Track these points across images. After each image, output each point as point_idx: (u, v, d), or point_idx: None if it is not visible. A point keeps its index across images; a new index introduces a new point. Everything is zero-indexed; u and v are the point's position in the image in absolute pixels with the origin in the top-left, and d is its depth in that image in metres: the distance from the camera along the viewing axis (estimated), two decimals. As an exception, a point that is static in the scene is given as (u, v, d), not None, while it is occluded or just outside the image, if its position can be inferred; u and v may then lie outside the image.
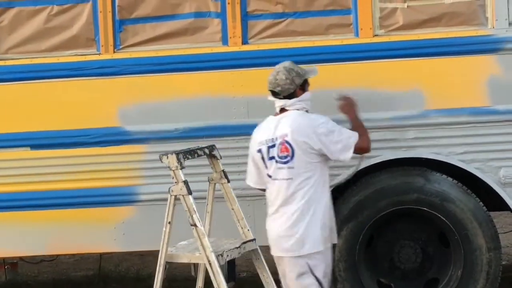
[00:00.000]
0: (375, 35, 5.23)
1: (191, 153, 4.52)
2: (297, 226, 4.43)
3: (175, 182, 4.36)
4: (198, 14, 5.38)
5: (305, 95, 4.60)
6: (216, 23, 5.37)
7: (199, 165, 4.90)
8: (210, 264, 4.26)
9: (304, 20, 5.29)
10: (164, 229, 4.38)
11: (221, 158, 4.74)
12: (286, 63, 4.61)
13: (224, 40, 5.35)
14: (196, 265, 4.72)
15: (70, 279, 7.38)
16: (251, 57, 5.30)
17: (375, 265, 5.43)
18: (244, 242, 4.58)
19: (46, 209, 5.45)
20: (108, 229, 5.40)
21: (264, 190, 4.65)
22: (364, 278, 5.35)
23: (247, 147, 5.26)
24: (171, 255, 4.44)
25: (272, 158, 4.51)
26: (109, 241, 5.43)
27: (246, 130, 5.23)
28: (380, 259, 5.43)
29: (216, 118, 5.34)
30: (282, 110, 4.58)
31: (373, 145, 5.09)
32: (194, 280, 5.82)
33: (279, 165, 4.48)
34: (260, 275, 4.66)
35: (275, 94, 4.58)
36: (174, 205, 4.38)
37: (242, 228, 4.67)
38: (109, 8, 5.37)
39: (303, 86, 4.62)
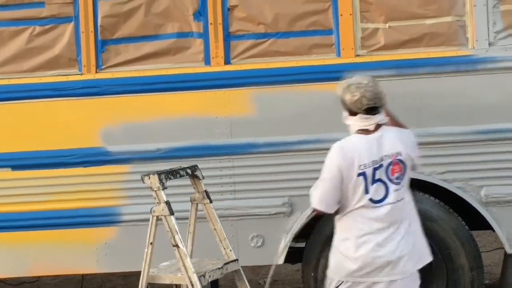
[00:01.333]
0: (357, 55, 5.26)
1: (173, 174, 4.51)
2: (414, 246, 4.20)
3: (157, 203, 4.34)
4: (181, 35, 5.40)
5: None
6: (198, 43, 5.38)
7: (182, 185, 4.88)
8: (192, 285, 4.24)
9: (287, 40, 5.32)
10: (146, 250, 4.36)
11: (203, 178, 4.74)
12: (366, 76, 4.27)
13: (207, 60, 5.36)
14: (178, 286, 4.69)
15: (52, 300, 7.33)
16: (233, 77, 5.31)
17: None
18: (227, 263, 4.56)
19: (28, 230, 5.42)
20: (90, 250, 5.38)
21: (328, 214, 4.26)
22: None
23: (230, 167, 5.32)
24: (153, 276, 4.42)
25: (378, 180, 4.09)
26: (91, 262, 5.40)
27: (229, 150, 5.27)
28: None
29: (199, 138, 5.33)
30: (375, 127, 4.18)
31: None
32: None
33: (394, 186, 4.10)
34: (243, 295, 4.64)
35: (373, 110, 4.13)
36: (156, 225, 4.37)
37: (224, 248, 4.65)
38: (91, 28, 5.38)
39: None
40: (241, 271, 4.64)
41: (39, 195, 5.38)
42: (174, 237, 4.29)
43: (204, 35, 5.36)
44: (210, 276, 4.38)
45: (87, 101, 5.39)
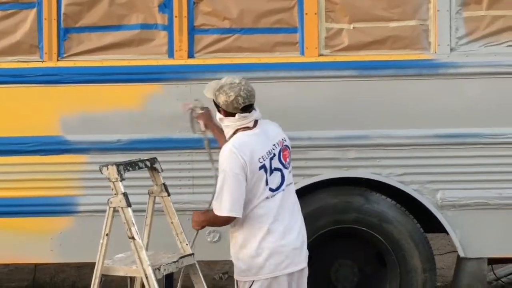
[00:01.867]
0: (320, 55, 5.28)
1: (132, 165, 4.47)
2: (304, 232, 4.41)
3: (115, 194, 4.31)
4: (145, 26, 5.35)
5: None
6: (162, 36, 5.34)
7: (140, 177, 4.84)
8: (146, 277, 4.21)
9: (251, 36, 5.31)
10: (101, 241, 4.32)
11: (162, 171, 4.71)
12: (234, 76, 4.44)
13: (170, 53, 5.33)
14: (132, 279, 4.65)
15: (3, 289, 7.23)
16: (196, 71, 5.29)
17: (313, 283, 5.43)
18: (182, 257, 4.54)
19: None
20: (45, 240, 5.32)
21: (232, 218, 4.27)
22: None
23: (189, 161, 5.30)
24: (108, 267, 4.38)
25: (275, 169, 4.27)
26: (46, 252, 5.34)
27: (189, 144, 5.24)
28: (318, 278, 5.45)
29: (160, 131, 5.30)
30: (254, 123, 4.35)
31: (315, 163, 5.19)
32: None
33: (286, 170, 4.33)
34: (197, 290, 4.63)
35: (249, 107, 4.30)
36: (113, 217, 4.33)
37: (180, 242, 4.63)
38: (54, 15, 5.31)
39: None
40: (197, 266, 4.62)
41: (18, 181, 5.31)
42: (130, 229, 4.26)
43: (169, 28, 5.32)
44: (165, 269, 4.36)
45: (47, 89, 5.32)
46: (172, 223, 4.65)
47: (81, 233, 5.33)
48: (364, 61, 5.23)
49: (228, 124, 4.33)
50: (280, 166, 4.30)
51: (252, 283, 4.31)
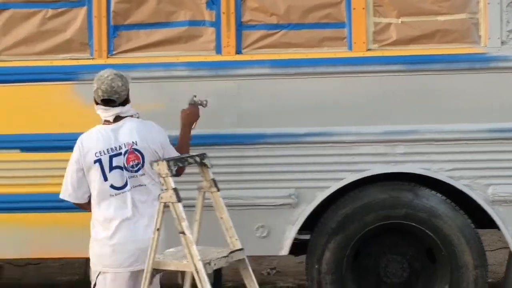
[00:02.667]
0: (368, 49, 5.25)
1: (181, 161, 4.50)
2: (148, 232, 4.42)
3: (165, 189, 4.35)
4: (193, 23, 5.39)
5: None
6: (210, 32, 5.37)
7: (190, 173, 4.88)
8: (197, 272, 4.24)
9: (299, 32, 5.31)
10: (152, 235, 4.36)
11: (211, 166, 4.73)
12: (112, 70, 4.57)
13: (218, 49, 5.36)
14: (183, 273, 4.70)
15: (55, 283, 7.34)
16: (244, 66, 5.30)
17: (361, 278, 5.44)
18: (232, 252, 4.56)
19: (33, 212, 5.43)
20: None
21: (82, 204, 4.57)
22: (350, 291, 5.37)
23: (237, 156, 5.32)
24: (159, 262, 4.42)
25: (116, 167, 4.42)
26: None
27: (237, 140, 5.27)
28: (367, 273, 5.44)
29: (209, 126, 5.32)
30: (116, 118, 4.51)
31: (363, 158, 5.17)
32: (178, 288, 5.79)
33: (129, 173, 4.43)
34: (247, 285, 4.63)
35: (110, 102, 4.46)
36: (163, 212, 4.37)
37: (230, 237, 4.65)
38: (104, 13, 5.37)
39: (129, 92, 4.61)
40: (246, 261, 4.63)
41: (51, 177, 5.36)
42: (180, 224, 4.29)
43: (216, 24, 5.35)
44: (215, 264, 4.38)
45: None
46: (221, 218, 4.66)
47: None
48: (413, 55, 5.19)
49: (98, 113, 4.53)
50: (127, 167, 4.43)
51: (98, 274, 4.48)
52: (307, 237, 5.50)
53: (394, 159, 5.23)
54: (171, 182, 4.34)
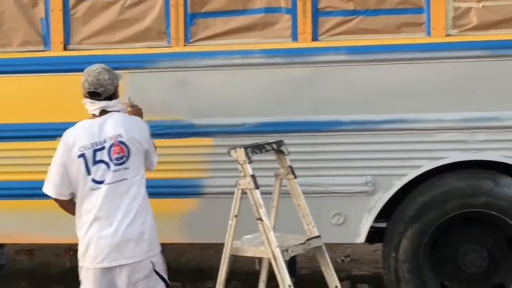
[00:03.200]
0: (447, 35, 5.16)
1: (259, 148, 4.53)
2: (141, 227, 4.38)
3: (243, 176, 4.38)
4: (269, 10, 5.39)
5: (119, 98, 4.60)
6: (286, 19, 5.36)
7: (266, 160, 4.89)
8: (275, 259, 4.27)
9: (376, 18, 5.25)
10: (230, 222, 4.41)
11: (288, 154, 4.74)
12: (101, 64, 4.55)
13: (294, 36, 5.34)
14: (260, 259, 4.73)
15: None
16: (321, 53, 5.28)
17: (439, 267, 5.37)
18: (309, 239, 4.58)
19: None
20: (174, 220, 5.46)
21: (63, 201, 4.50)
22: (428, 280, 5.29)
23: (312, 144, 5.31)
24: (236, 248, 4.47)
25: (100, 161, 4.36)
26: (175, 232, 5.49)
27: (313, 127, 5.26)
28: (444, 262, 5.36)
29: (284, 114, 5.33)
30: (102, 112, 4.48)
31: (442, 146, 5.09)
32: (254, 274, 5.83)
33: (115, 167, 4.36)
34: (324, 272, 4.65)
35: (96, 95, 4.44)
36: (241, 198, 4.40)
37: (307, 224, 4.66)
38: (181, 1, 5.42)
39: (117, 88, 4.60)
40: (323, 248, 4.64)
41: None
42: (258, 210, 4.32)
43: (292, 11, 5.33)
44: (292, 251, 4.41)
45: (175, 74, 5.45)
46: (298, 205, 4.68)
47: (208, 214, 5.44)
48: (495, 40, 5.07)
49: (86, 108, 4.51)
50: (107, 160, 4.36)
51: (82, 269, 4.44)
52: (383, 225, 5.45)
53: (474, 146, 5.13)
54: (249, 168, 4.37)
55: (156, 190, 5.36)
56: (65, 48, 5.56)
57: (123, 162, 4.38)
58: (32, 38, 5.60)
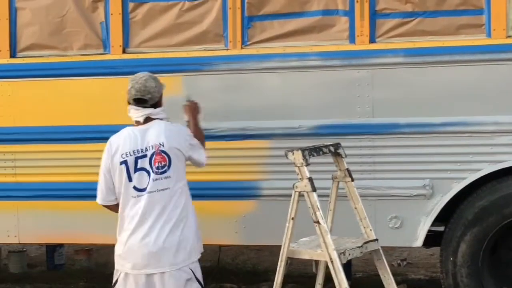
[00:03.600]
0: (508, 36, 5.07)
1: (316, 150, 4.52)
2: (179, 237, 4.39)
3: (300, 179, 4.37)
4: (326, 12, 5.38)
5: (164, 106, 4.60)
6: (343, 21, 5.35)
7: (323, 162, 4.88)
8: (332, 261, 4.24)
9: (434, 19, 5.20)
10: (287, 224, 4.40)
11: (345, 156, 4.72)
12: (147, 72, 4.57)
13: (351, 39, 5.32)
14: (317, 262, 4.72)
15: (187, 269, 7.54)
16: (378, 55, 5.25)
17: (499, 272, 5.28)
18: (366, 242, 4.54)
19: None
20: (230, 222, 5.50)
21: (111, 206, 4.54)
22: (487, 285, 5.21)
23: (370, 146, 5.28)
24: (293, 250, 4.46)
25: (141, 169, 4.39)
26: (231, 234, 5.53)
27: (370, 130, 5.23)
28: (505, 267, 5.27)
29: (340, 116, 5.31)
30: (146, 120, 4.49)
31: (502, 149, 5.01)
32: (308, 277, 5.83)
33: (155, 175, 4.38)
34: (381, 275, 4.61)
35: (142, 102, 4.47)
36: (298, 201, 4.40)
37: (364, 227, 4.63)
38: (238, 4, 5.45)
39: (162, 97, 4.61)
40: (381, 251, 4.60)
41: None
42: (315, 213, 4.30)
43: (350, 13, 5.32)
44: (349, 254, 4.38)
45: (232, 76, 5.48)
46: (355, 208, 4.65)
47: (264, 216, 5.46)
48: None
49: (129, 115, 4.53)
50: (148, 168, 4.38)
51: (120, 273, 4.47)
52: (440, 228, 5.39)
53: (534, 149, 5.04)
54: (306, 171, 4.36)
55: (212, 192, 5.47)
56: (124, 51, 5.64)
57: (164, 172, 4.40)
58: (92, 42, 5.70)
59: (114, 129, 5.46)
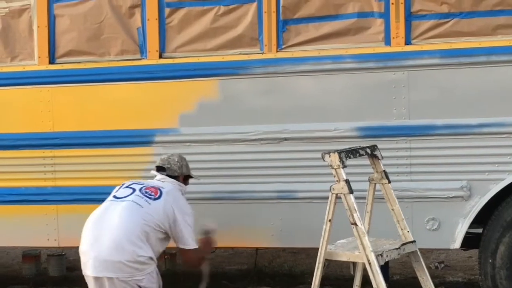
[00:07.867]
0: (546, 36, 5.04)
1: (353, 152, 4.52)
2: (131, 254, 4.62)
3: (337, 181, 4.38)
4: (361, 14, 5.38)
5: (186, 187, 5.10)
6: (379, 23, 5.34)
7: (360, 164, 4.88)
8: (369, 263, 4.25)
9: (471, 20, 5.17)
10: (324, 226, 4.41)
11: (382, 158, 4.71)
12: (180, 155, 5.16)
13: (387, 41, 5.32)
14: (354, 264, 4.72)
15: (224, 272, 7.58)
16: (414, 57, 5.24)
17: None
18: (404, 244, 4.53)
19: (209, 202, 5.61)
20: (267, 225, 5.51)
21: None
22: (527, 287, 5.17)
23: (406, 148, 5.27)
24: (331, 252, 4.47)
25: (131, 188, 4.85)
26: (267, 236, 5.54)
27: (406, 131, 5.22)
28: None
29: (376, 118, 5.31)
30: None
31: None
32: (345, 280, 5.83)
33: (139, 193, 4.78)
34: (419, 277, 4.60)
35: (160, 169, 5.07)
36: (335, 203, 4.41)
37: (402, 229, 4.62)
38: (273, 8, 5.47)
39: (187, 178, 5.15)
40: (419, 253, 4.59)
41: (217, 169, 5.58)
42: (352, 215, 4.31)
43: (385, 15, 5.31)
44: (387, 256, 4.37)
45: (267, 80, 5.51)
46: (393, 210, 4.64)
47: (300, 219, 5.47)
48: None
49: None
50: (137, 188, 4.82)
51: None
52: (479, 230, 5.36)
53: None
54: (343, 173, 4.37)
55: (248, 195, 5.49)
56: (160, 56, 5.70)
57: (150, 197, 4.77)
58: (129, 47, 5.77)
59: (151, 134, 5.59)
